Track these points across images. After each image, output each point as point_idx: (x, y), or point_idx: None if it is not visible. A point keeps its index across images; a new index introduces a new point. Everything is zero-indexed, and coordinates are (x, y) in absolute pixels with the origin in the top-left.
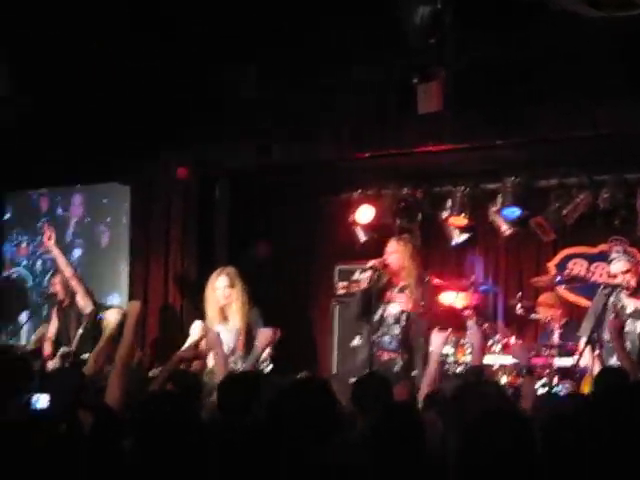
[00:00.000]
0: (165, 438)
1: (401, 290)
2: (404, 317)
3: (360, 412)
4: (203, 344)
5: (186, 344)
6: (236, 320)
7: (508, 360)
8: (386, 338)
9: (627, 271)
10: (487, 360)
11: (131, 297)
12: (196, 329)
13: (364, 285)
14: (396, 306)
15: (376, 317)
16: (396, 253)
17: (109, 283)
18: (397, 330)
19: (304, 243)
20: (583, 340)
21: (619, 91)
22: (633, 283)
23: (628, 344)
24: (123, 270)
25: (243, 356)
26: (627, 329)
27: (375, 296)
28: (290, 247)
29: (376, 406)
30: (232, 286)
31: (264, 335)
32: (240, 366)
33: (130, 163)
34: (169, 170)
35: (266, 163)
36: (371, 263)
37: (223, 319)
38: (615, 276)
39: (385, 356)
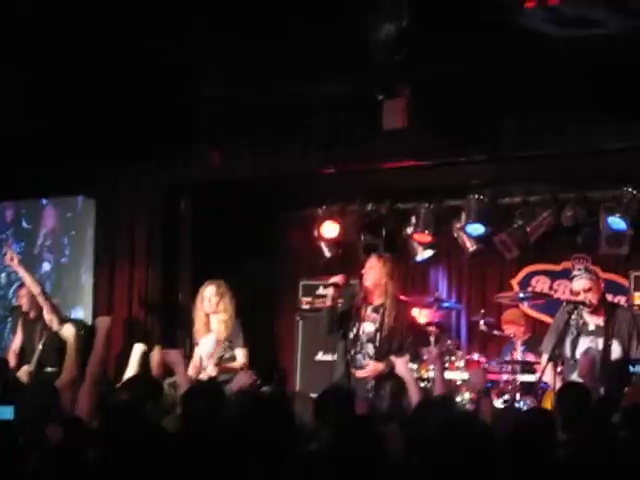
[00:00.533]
0: (129, 448)
1: (375, 309)
2: (378, 336)
3: (322, 426)
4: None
5: (128, 368)
6: (220, 330)
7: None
8: (359, 356)
9: (589, 289)
10: (450, 376)
11: (95, 310)
12: (137, 352)
13: (328, 303)
14: (370, 325)
15: (351, 335)
16: (373, 270)
17: (73, 296)
18: (371, 350)
19: (268, 258)
20: (545, 357)
21: (584, 109)
22: (594, 301)
23: None
24: (87, 283)
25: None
26: (589, 345)
27: (348, 313)
28: (254, 262)
29: (337, 420)
30: (219, 296)
31: (240, 380)
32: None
33: (96, 177)
34: (134, 183)
35: (231, 177)
36: (332, 280)
37: (208, 329)
38: (577, 293)
39: (358, 374)
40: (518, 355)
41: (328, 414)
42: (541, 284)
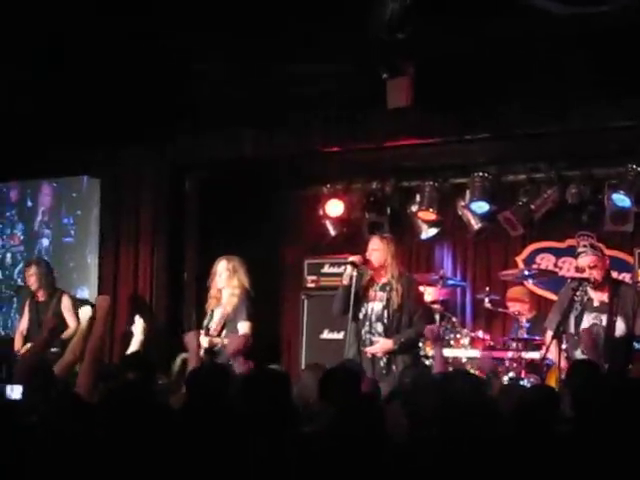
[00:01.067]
0: (134, 425)
1: (382, 288)
2: (386, 315)
3: (328, 403)
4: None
5: (132, 344)
6: (227, 304)
7: (476, 353)
8: (369, 336)
9: (594, 266)
10: (456, 353)
11: (100, 290)
12: (139, 326)
13: (346, 282)
14: (378, 304)
15: (361, 315)
16: (378, 251)
17: (78, 276)
18: (380, 328)
19: (273, 237)
20: (549, 333)
21: (587, 87)
22: (599, 277)
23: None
24: (92, 263)
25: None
26: (594, 322)
27: (358, 293)
28: (260, 241)
29: (343, 398)
30: (229, 271)
31: (233, 342)
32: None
33: (100, 156)
34: (139, 162)
35: (236, 157)
36: (351, 259)
37: (218, 303)
38: (582, 270)
39: (369, 354)
40: (523, 332)
41: (332, 393)
42: (546, 261)
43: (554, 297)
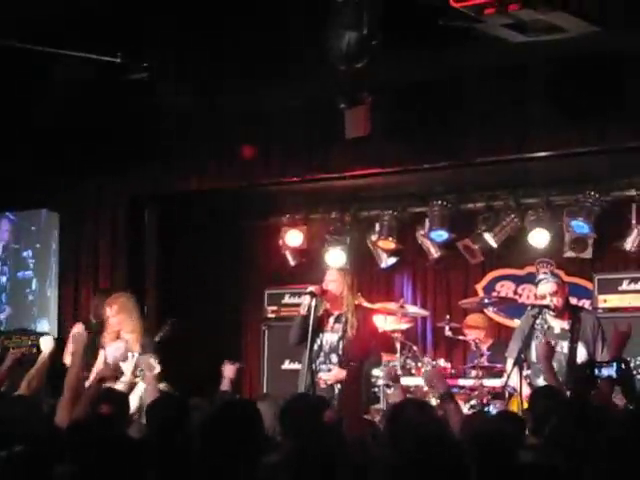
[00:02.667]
0: (101, 460)
1: (337, 319)
2: (340, 345)
3: (287, 434)
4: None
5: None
6: (130, 343)
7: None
8: (324, 367)
9: (554, 293)
10: (417, 382)
11: (60, 323)
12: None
13: (303, 312)
14: (333, 335)
15: (315, 346)
16: (335, 282)
17: (38, 310)
18: (335, 359)
19: (234, 267)
20: (510, 361)
21: (544, 115)
22: (560, 304)
23: (555, 364)
24: (52, 296)
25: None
26: (555, 349)
27: (314, 323)
28: (220, 271)
29: (303, 429)
30: (118, 315)
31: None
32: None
33: (59, 190)
34: (98, 195)
35: (194, 189)
36: (310, 289)
37: (117, 337)
38: (543, 297)
39: (323, 383)
40: (483, 360)
41: (293, 423)
42: (506, 289)
43: (514, 324)
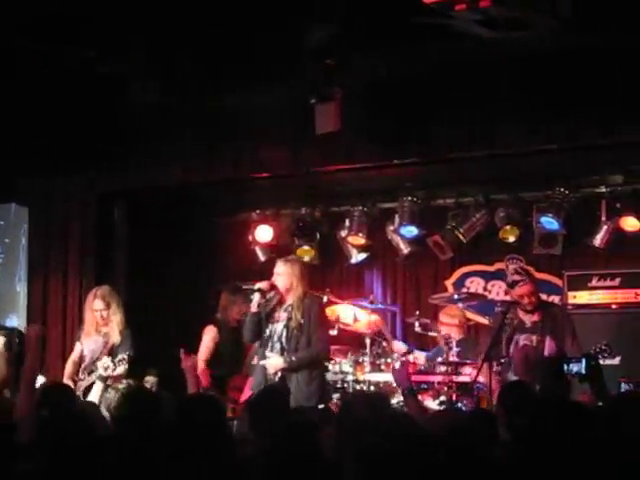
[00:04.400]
0: (66, 457)
1: (286, 309)
2: (284, 334)
3: (257, 430)
4: None
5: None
6: (113, 335)
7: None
8: (269, 354)
9: (531, 293)
10: (387, 378)
11: (29, 319)
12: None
13: (254, 309)
14: (280, 324)
15: (264, 336)
16: (283, 275)
17: (7, 305)
18: (278, 347)
19: (203, 263)
20: (480, 357)
21: (514, 111)
22: (535, 302)
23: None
24: (21, 291)
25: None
26: (524, 342)
27: (265, 317)
28: (189, 267)
29: (273, 425)
30: (108, 307)
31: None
32: (94, 376)
33: (28, 184)
34: (67, 190)
35: (164, 184)
36: (258, 285)
37: (96, 331)
38: (521, 297)
39: (261, 364)
40: (453, 355)
41: (262, 418)
42: (475, 285)
43: (484, 320)
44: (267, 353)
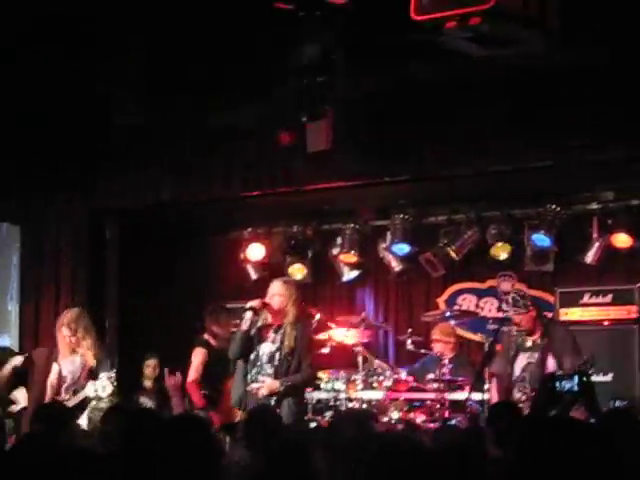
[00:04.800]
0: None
1: (276, 331)
2: (277, 357)
3: (250, 447)
4: None
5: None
6: (89, 358)
7: (399, 395)
8: (260, 377)
9: (527, 321)
10: (378, 395)
11: (21, 338)
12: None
13: (245, 327)
14: (271, 346)
15: (252, 356)
16: (279, 296)
17: None
18: (270, 370)
19: (195, 281)
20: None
21: (505, 128)
22: (529, 326)
23: (527, 374)
24: (13, 310)
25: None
26: (528, 361)
27: (255, 336)
28: (181, 285)
29: (267, 442)
30: (75, 333)
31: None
32: (81, 395)
33: (20, 203)
34: (59, 209)
35: (156, 202)
36: (250, 304)
37: (71, 353)
38: (517, 324)
39: (257, 393)
40: (445, 372)
41: (255, 435)
42: (467, 302)
43: (476, 338)
44: (259, 377)
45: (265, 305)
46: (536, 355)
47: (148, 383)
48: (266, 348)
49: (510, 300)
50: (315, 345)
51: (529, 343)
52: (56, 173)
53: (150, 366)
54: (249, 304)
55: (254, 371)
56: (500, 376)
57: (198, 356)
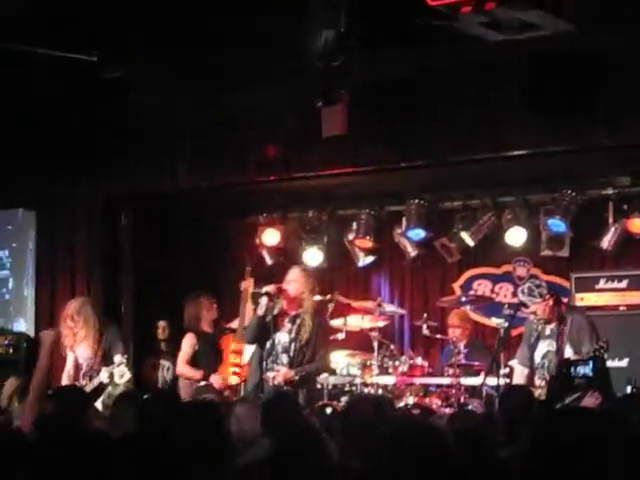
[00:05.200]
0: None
1: (292, 320)
2: (293, 348)
3: (268, 434)
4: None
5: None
6: (97, 342)
7: (415, 380)
8: (275, 366)
9: (543, 311)
10: (393, 380)
11: (37, 322)
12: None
13: (261, 312)
14: (286, 335)
15: (268, 344)
16: (296, 283)
17: (15, 309)
18: (285, 359)
19: (210, 267)
20: (515, 362)
21: (520, 113)
22: (546, 316)
23: (545, 361)
24: (29, 295)
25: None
26: (547, 349)
27: (271, 323)
28: (196, 271)
29: (283, 427)
30: (77, 324)
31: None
32: (96, 381)
33: (35, 189)
34: (74, 195)
35: (170, 188)
36: (266, 289)
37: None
38: (534, 313)
39: (272, 381)
40: (461, 358)
41: (273, 421)
42: (483, 287)
43: (491, 323)
44: (274, 366)
45: (281, 291)
46: (554, 343)
47: (163, 345)
48: (282, 337)
49: (526, 290)
50: (330, 332)
51: (547, 331)
52: (71, 159)
53: (160, 327)
54: (265, 289)
55: (270, 360)
56: (523, 362)
57: (187, 340)
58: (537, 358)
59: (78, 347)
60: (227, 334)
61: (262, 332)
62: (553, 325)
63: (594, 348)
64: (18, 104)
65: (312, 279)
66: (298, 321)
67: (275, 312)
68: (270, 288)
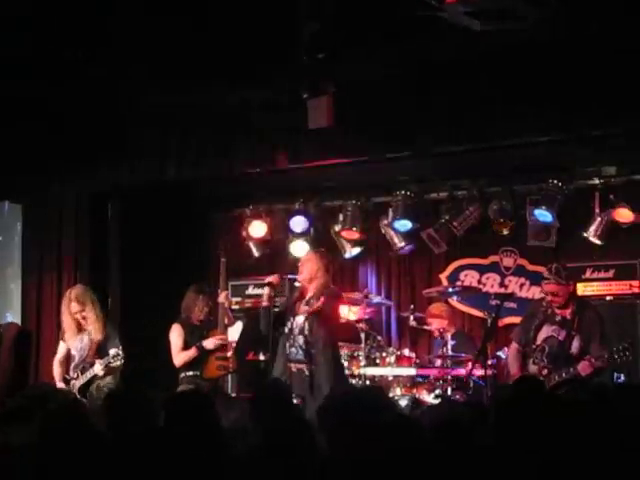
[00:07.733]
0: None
1: (307, 302)
2: (307, 327)
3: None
4: None
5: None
6: (93, 333)
7: (402, 371)
8: (293, 350)
9: (555, 293)
10: (382, 372)
11: (24, 316)
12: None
13: (265, 303)
14: (301, 317)
15: (286, 330)
16: (310, 262)
17: (1, 302)
18: (301, 340)
19: (197, 259)
20: (514, 344)
21: (506, 103)
22: (559, 302)
23: (545, 345)
24: (15, 289)
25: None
26: (552, 334)
27: (289, 309)
28: (183, 264)
29: (272, 418)
30: (84, 307)
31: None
32: (89, 374)
33: (21, 182)
34: (61, 188)
35: (158, 180)
36: (268, 279)
37: (78, 331)
38: (546, 294)
39: (293, 368)
40: (448, 349)
41: (263, 412)
42: (470, 278)
43: (478, 313)
44: (293, 350)
45: (283, 280)
46: (562, 331)
47: None
48: (299, 319)
49: (553, 269)
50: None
51: (558, 317)
52: (58, 153)
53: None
54: (267, 279)
55: (288, 344)
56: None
57: (173, 332)
58: (538, 340)
59: (72, 338)
60: (215, 328)
61: (274, 321)
62: (566, 313)
63: (621, 347)
64: (8, 99)
65: (325, 259)
66: (312, 301)
67: (293, 299)
68: (272, 278)
